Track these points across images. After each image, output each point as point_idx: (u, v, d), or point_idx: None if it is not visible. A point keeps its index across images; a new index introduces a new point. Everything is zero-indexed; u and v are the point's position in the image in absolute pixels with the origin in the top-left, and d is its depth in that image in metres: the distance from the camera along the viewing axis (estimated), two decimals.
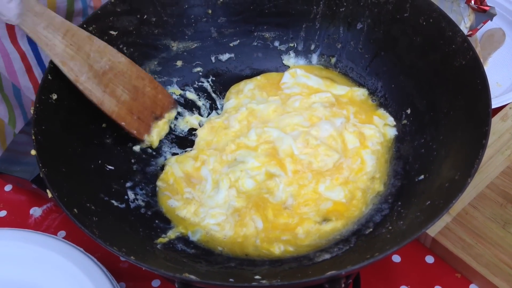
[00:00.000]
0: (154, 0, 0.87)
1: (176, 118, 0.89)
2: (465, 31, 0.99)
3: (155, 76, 0.89)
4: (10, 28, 0.95)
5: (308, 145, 0.79)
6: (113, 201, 0.74)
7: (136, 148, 0.84)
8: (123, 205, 0.75)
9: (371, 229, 0.72)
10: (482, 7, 0.98)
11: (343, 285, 0.60)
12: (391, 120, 0.84)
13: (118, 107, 0.80)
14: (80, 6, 1.03)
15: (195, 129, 0.88)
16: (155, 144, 0.85)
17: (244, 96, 0.89)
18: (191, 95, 0.91)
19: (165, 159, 0.84)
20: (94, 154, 0.77)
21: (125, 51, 0.84)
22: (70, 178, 0.69)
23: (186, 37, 0.91)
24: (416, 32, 0.81)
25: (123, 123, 0.81)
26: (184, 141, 0.87)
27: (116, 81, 0.80)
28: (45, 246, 0.75)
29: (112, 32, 0.83)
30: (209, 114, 0.90)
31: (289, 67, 0.94)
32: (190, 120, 0.88)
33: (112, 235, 0.65)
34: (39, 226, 0.87)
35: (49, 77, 0.74)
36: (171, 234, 0.74)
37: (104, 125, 0.80)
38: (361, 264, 0.57)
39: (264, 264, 0.71)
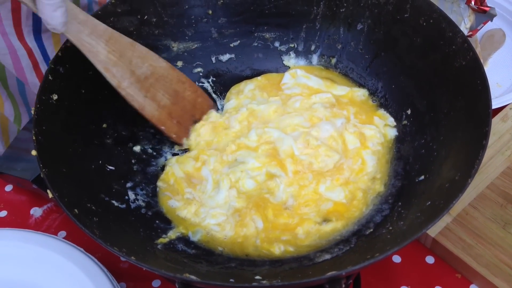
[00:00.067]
0: (155, 0, 0.87)
1: None
2: (465, 32, 0.99)
3: None
4: (17, 25, 0.96)
5: (308, 146, 0.79)
6: (114, 202, 0.74)
7: (137, 148, 0.84)
8: (124, 206, 0.75)
9: (371, 230, 0.72)
10: (482, 7, 0.98)
11: (343, 286, 0.60)
12: (391, 120, 0.84)
13: (158, 112, 0.81)
14: (86, 1, 1.03)
15: None
16: (193, 147, 0.84)
17: (245, 96, 0.89)
18: None
19: (166, 160, 0.84)
20: (95, 154, 0.77)
21: None
22: (70, 178, 0.69)
23: (187, 37, 0.91)
24: (416, 32, 0.81)
25: (162, 128, 0.81)
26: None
27: (157, 86, 0.80)
28: (46, 246, 0.75)
29: None
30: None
31: (289, 67, 0.94)
32: None
33: (113, 235, 0.65)
34: (39, 226, 0.87)
35: (50, 77, 0.74)
36: (172, 235, 0.74)
37: (104, 125, 0.81)
38: (362, 264, 0.57)
39: (264, 264, 0.71)
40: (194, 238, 0.74)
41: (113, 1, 0.83)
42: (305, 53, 0.94)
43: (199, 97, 0.86)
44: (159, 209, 0.78)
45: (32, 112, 0.72)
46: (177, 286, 0.60)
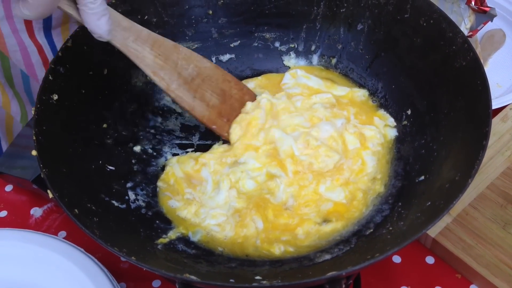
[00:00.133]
0: (155, 0, 0.87)
1: (176, 118, 0.89)
2: (466, 32, 0.99)
3: None
4: (28, 22, 0.96)
5: (308, 146, 0.79)
6: (114, 202, 0.74)
7: (137, 148, 0.84)
8: (124, 206, 0.75)
9: (371, 230, 0.73)
10: (482, 8, 0.98)
11: (343, 286, 0.60)
12: (391, 121, 0.84)
13: (208, 111, 0.81)
14: None
15: (195, 130, 0.88)
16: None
17: None
18: None
19: (166, 160, 0.84)
20: (95, 154, 0.77)
21: None
22: (71, 178, 0.69)
23: (187, 37, 0.91)
24: (417, 33, 0.81)
25: (214, 127, 0.82)
26: (184, 141, 0.87)
27: (204, 86, 0.81)
28: (46, 246, 0.75)
29: None
30: None
31: (289, 67, 0.94)
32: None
33: (113, 235, 0.65)
34: (39, 226, 0.87)
35: (50, 77, 0.74)
36: (172, 235, 0.74)
37: (104, 125, 0.81)
38: (362, 264, 0.57)
39: (264, 264, 0.71)
40: (194, 238, 0.74)
41: (113, 1, 0.83)
42: (305, 53, 0.94)
43: (245, 95, 0.86)
44: (159, 209, 0.78)
45: (32, 112, 0.72)
46: (177, 286, 0.60)
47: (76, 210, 0.63)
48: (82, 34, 0.79)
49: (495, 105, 0.95)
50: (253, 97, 0.87)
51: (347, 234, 0.73)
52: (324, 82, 0.90)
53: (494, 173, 0.85)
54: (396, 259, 0.81)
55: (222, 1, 0.91)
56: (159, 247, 0.71)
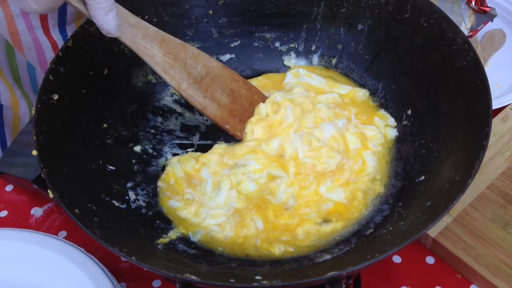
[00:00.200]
0: (155, 0, 0.87)
1: (176, 118, 0.89)
2: (466, 32, 0.99)
3: (156, 76, 0.89)
4: (44, 19, 0.96)
5: (311, 147, 0.79)
6: (114, 202, 0.74)
7: (137, 148, 0.84)
8: (124, 206, 0.75)
9: (371, 230, 0.73)
10: (482, 8, 0.98)
11: (343, 286, 0.60)
12: (391, 121, 0.84)
13: (220, 111, 0.81)
14: None
15: (195, 130, 0.88)
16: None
17: None
18: None
19: (166, 160, 0.84)
20: (95, 154, 0.77)
21: (126, 51, 0.84)
22: (71, 178, 0.69)
23: (187, 37, 0.91)
24: (417, 33, 0.81)
25: (227, 126, 0.81)
26: (185, 141, 0.87)
27: (213, 86, 0.81)
28: (46, 246, 0.75)
29: None
30: None
31: (289, 68, 0.94)
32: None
33: (113, 235, 0.65)
34: (40, 226, 0.87)
35: (50, 77, 0.74)
36: (172, 235, 0.74)
37: (105, 125, 0.81)
38: (362, 264, 0.57)
39: (264, 264, 0.71)
40: (195, 238, 0.74)
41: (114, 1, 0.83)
42: (306, 53, 0.94)
43: (254, 95, 0.86)
44: (159, 209, 0.78)
45: (33, 111, 0.72)
46: (177, 286, 0.60)
47: (76, 210, 0.63)
48: (82, 34, 0.79)
49: (495, 105, 0.95)
50: (262, 96, 0.86)
51: (347, 234, 0.73)
52: (326, 81, 0.89)
53: (494, 173, 0.85)
54: (396, 259, 0.81)
55: (222, 1, 0.91)
56: (159, 247, 0.71)
